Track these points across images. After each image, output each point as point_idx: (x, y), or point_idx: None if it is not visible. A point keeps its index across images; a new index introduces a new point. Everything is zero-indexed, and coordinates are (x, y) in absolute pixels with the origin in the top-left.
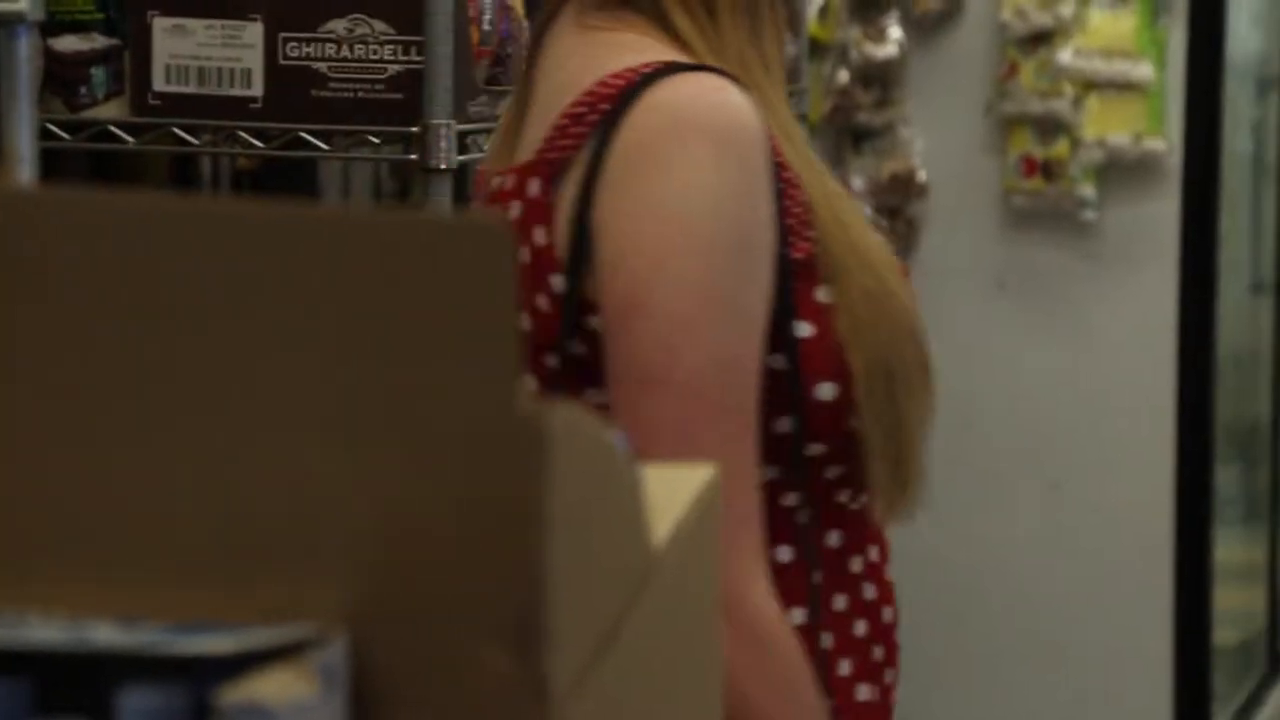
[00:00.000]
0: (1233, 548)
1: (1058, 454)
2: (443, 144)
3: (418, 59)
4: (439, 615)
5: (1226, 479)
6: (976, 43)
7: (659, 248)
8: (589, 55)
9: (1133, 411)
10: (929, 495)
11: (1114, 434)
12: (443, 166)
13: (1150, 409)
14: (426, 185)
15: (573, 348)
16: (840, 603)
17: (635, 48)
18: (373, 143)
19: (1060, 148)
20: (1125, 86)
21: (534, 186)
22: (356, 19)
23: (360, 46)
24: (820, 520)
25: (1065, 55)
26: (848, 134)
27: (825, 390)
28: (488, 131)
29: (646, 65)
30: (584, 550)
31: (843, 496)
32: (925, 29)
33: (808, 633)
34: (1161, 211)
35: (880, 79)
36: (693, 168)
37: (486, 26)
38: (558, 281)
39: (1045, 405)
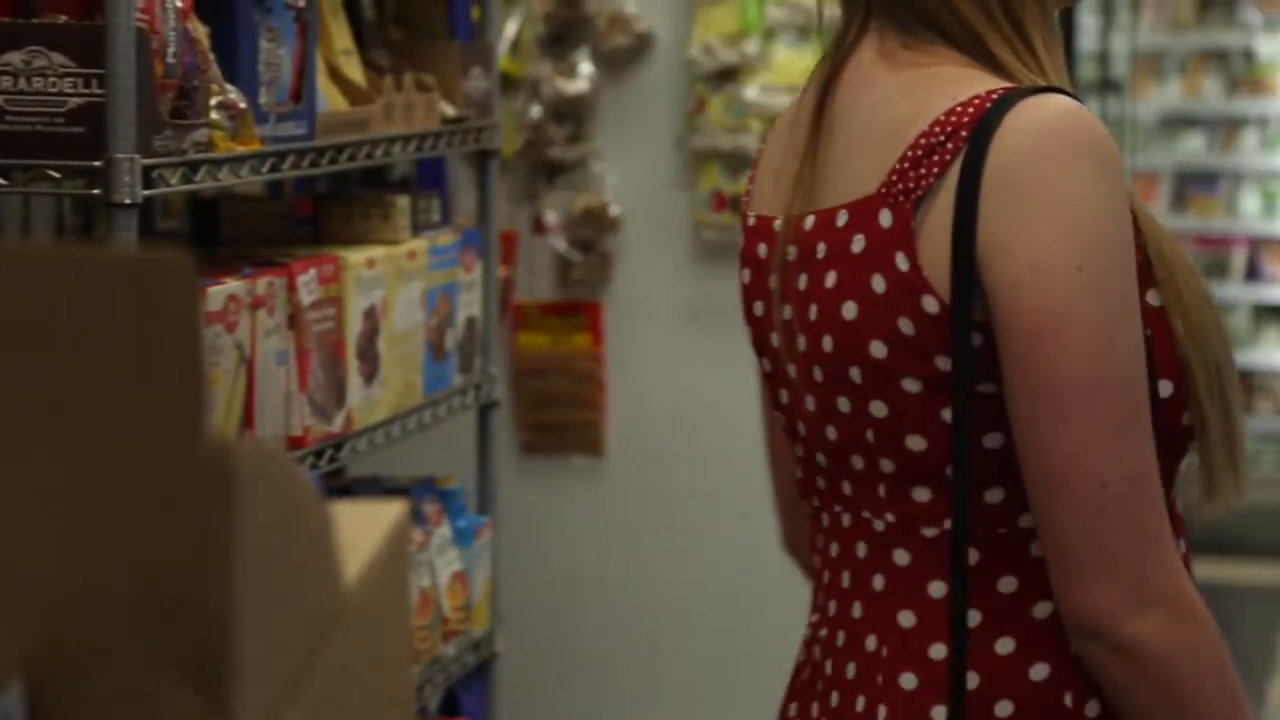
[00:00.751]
0: None
1: (748, 484)
2: (126, 178)
3: (99, 92)
4: (124, 658)
5: None
6: (666, 78)
7: (1074, 259)
8: (924, 88)
9: None
10: (619, 525)
11: None
12: (127, 201)
13: None
14: (111, 221)
15: (943, 366)
16: None
17: (970, 78)
18: (53, 177)
19: (748, 182)
20: None
21: (885, 218)
22: (34, 51)
23: (39, 79)
24: None
25: (751, 91)
26: (541, 168)
27: (1164, 388)
28: (174, 165)
29: (993, 92)
30: (273, 589)
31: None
32: (615, 65)
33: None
34: None
35: (572, 114)
36: (1081, 181)
37: (170, 59)
38: (930, 303)
39: (736, 436)
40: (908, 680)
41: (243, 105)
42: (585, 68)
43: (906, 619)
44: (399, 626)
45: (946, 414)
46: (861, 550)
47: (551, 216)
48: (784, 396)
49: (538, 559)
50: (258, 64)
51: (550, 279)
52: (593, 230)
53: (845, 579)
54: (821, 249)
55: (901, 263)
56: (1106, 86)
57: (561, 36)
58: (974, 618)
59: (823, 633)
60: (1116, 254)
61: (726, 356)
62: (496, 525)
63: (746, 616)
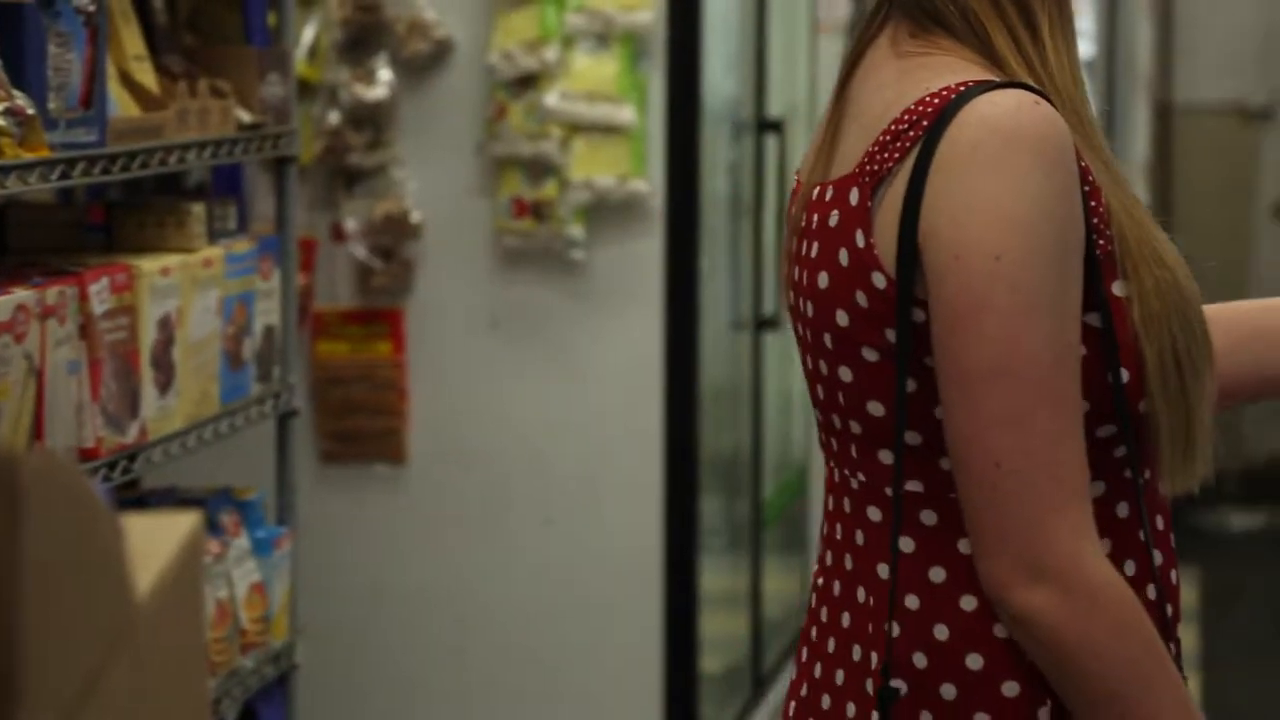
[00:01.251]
0: (718, 576)
1: (551, 490)
2: None
3: None
4: None
5: (711, 509)
6: (466, 85)
7: (993, 248)
8: (908, 79)
9: (622, 446)
10: (422, 532)
11: (605, 468)
12: None
13: (639, 443)
14: None
15: (891, 338)
16: (1130, 568)
17: (951, 69)
18: None
19: (549, 189)
20: (609, 129)
21: (854, 196)
22: None
23: None
24: (1111, 494)
25: (552, 98)
26: (340, 175)
27: (1125, 375)
28: None
29: (962, 84)
30: (60, 603)
31: (1128, 472)
32: (415, 71)
33: None
34: (646, 251)
35: (371, 120)
36: (1018, 174)
37: None
38: (879, 279)
39: (538, 442)
40: (893, 628)
41: (30, 111)
42: (384, 74)
43: (884, 570)
44: (193, 639)
45: (909, 383)
46: (847, 505)
47: (351, 223)
48: (801, 355)
49: (339, 568)
50: (46, 69)
51: (350, 286)
52: (393, 237)
53: (838, 531)
54: (815, 219)
55: (859, 239)
56: None
57: (360, 42)
58: (938, 574)
59: (820, 581)
60: (1044, 246)
61: (529, 363)
62: (296, 535)
63: (550, 622)
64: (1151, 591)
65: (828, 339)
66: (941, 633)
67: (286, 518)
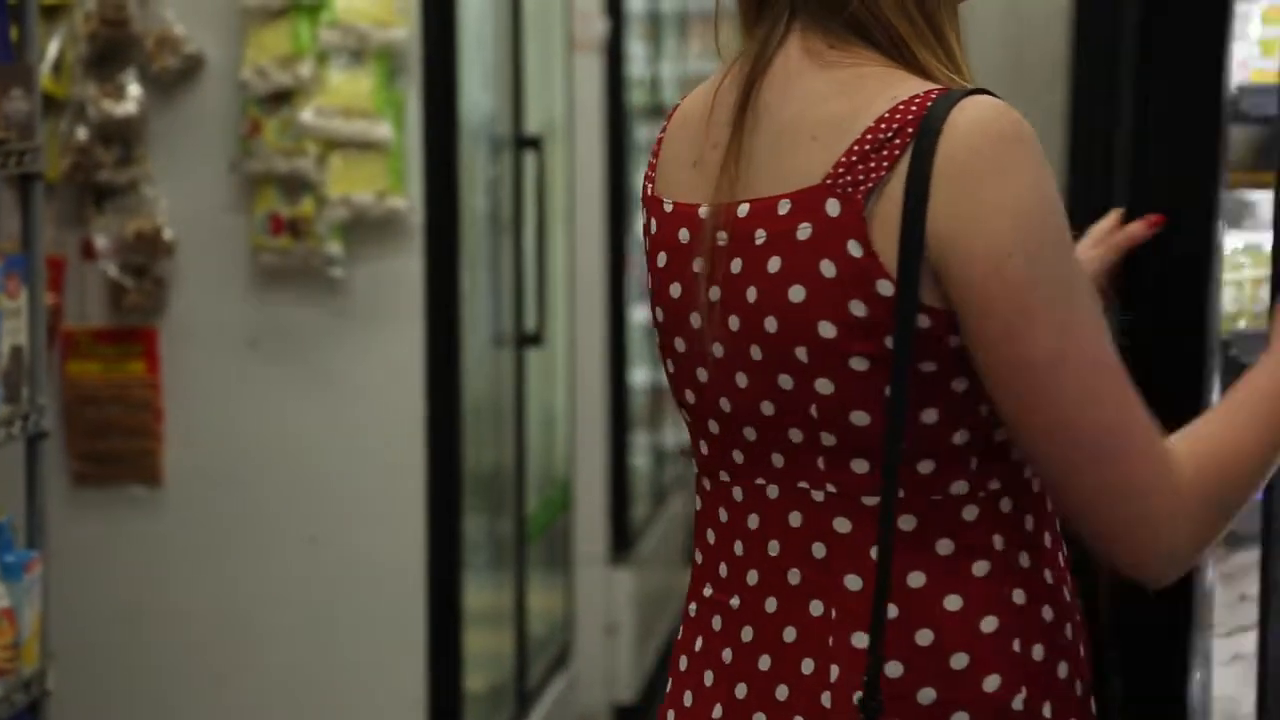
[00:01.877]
0: (482, 592)
1: (314, 508)
2: None
3: None
4: None
5: (474, 526)
6: (218, 100)
7: (1024, 249)
8: (858, 87)
9: (385, 463)
10: (180, 554)
11: (368, 486)
12: None
13: (402, 460)
14: None
15: (889, 345)
16: (1025, 559)
17: (901, 79)
18: None
19: (306, 206)
20: (366, 145)
21: (834, 207)
22: None
23: None
24: (1005, 491)
25: (307, 114)
26: (89, 192)
27: None
28: None
29: (931, 92)
30: None
31: (1027, 472)
32: (165, 86)
33: (1031, 607)
34: (407, 268)
35: (121, 136)
36: (1022, 171)
37: None
38: (885, 286)
39: (301, 461)
40: (859, 639)
41: None
42: (133, 89)
43: (854, 582)
44: None
45: (889, 391)
46: (796, 520)
47: (102, 241)
48: (701, 375)
49: (94, 592)
50: None
51: (102, 305)
52: (145, 255)
53: (773, 548)
54: (761, 235)
55: (854, 249)
56: (657, 112)
57: (107, 57)
58: (918, 579)
59: (734, 601)
60: (1059, 233)
61: (288, 381)
62: (47, 559)
63: (314, 642)
64: (1049, 575)
65: (801, 353)
66: (924, 638)
67: (37, 541)
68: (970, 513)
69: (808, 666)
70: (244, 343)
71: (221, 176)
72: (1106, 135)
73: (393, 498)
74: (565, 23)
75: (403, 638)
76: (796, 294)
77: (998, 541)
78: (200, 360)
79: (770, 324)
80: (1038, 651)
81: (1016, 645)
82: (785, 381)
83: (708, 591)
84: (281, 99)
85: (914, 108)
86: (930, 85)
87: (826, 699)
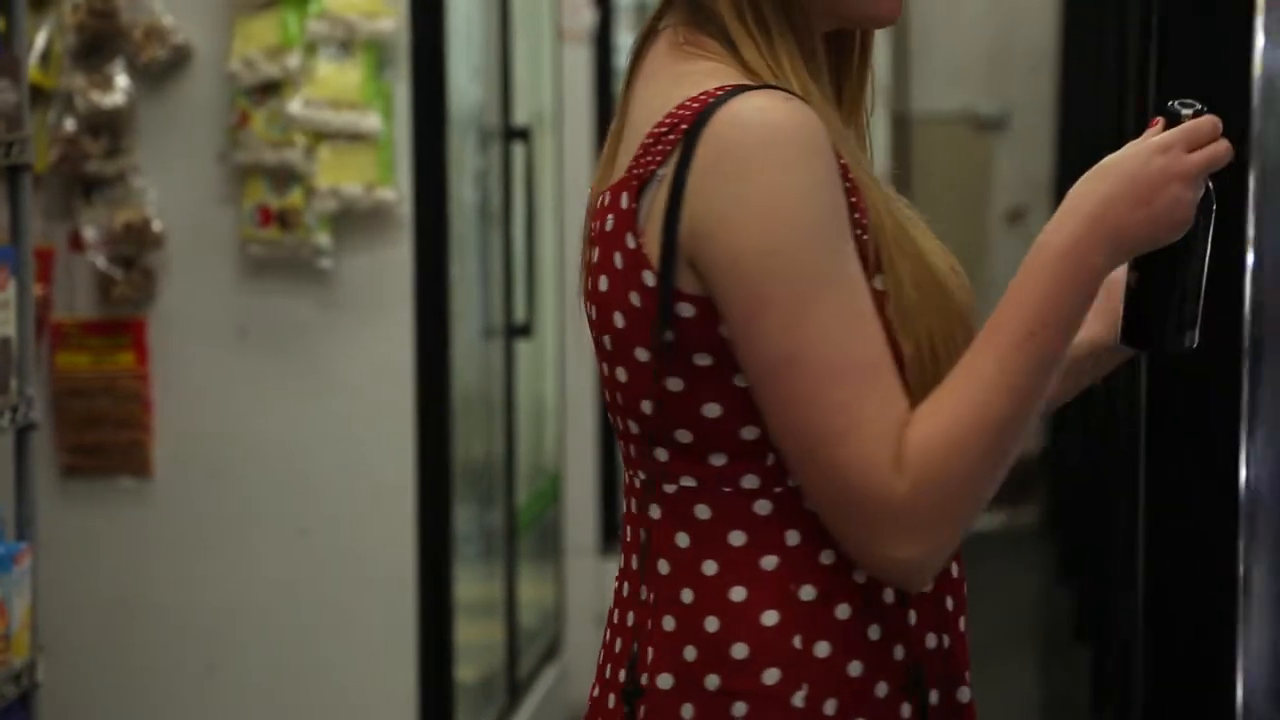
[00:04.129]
0: (472, 584)
1: (305, 500)
2: None
3: None
4: None
5: (465, 517)
6: (206, 92)
7: (766, 245)
8: (672, 81)
9: (375, 455)
10: (170, 546)
11: (358, 478)
12: None
13: (392, 451)
14: None
15: (666, 336)
16: (861, 576)
17: (714, 75)
18: None
19: (295, 197)
20: (355, 137)
21: (624, 199)
22: None
23: None
24: None
25: (295, 105)
26: (78, 184)
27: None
28: None
29: (721, 88)
30: None
31: None
32: (153, 77)
33: (822, 605)
34: (396, 259)
35: (109, 127)
36: (778, 167)
37: None
38: (649, 278)
39: (291, 452)
40: (669, 623)
41: None
42: (121, 80)
43: (663, 567)
44: None
45: (669, 383)
46: (634, 505)
47: (90, 232)
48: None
49: (84, 584)
50: None
51: (90, 297)
52: (134, 246)
53: (628, 532)
54: (597, 226)
55: (630, 240)
56: None
57: (95, 48)
58: (710, 568)
59: (618, 584)
60: (814, 232)
61: (278, 373)
62: (37, 551)
63: (304, 633)
64: (860, 575)
65: (607, 341)
66: (712, 624)
67: (26, 533)
68: (763, 507)
69: (619, 646)
70: (233, 334)
71: (210, 167)
72: (1095, 125)
73: (383, 489)
74: (553, 13)
75: (393, 629)
76: (603, 284)
77: (791, 537)
78: (189, 352)
79: (594, 313)
80: (822, 649)
81: (798, 641)
82: (605, 369)
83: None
84: (270, 90)
85: (697, 104)
86: (735, 82)
87: (622, 676)
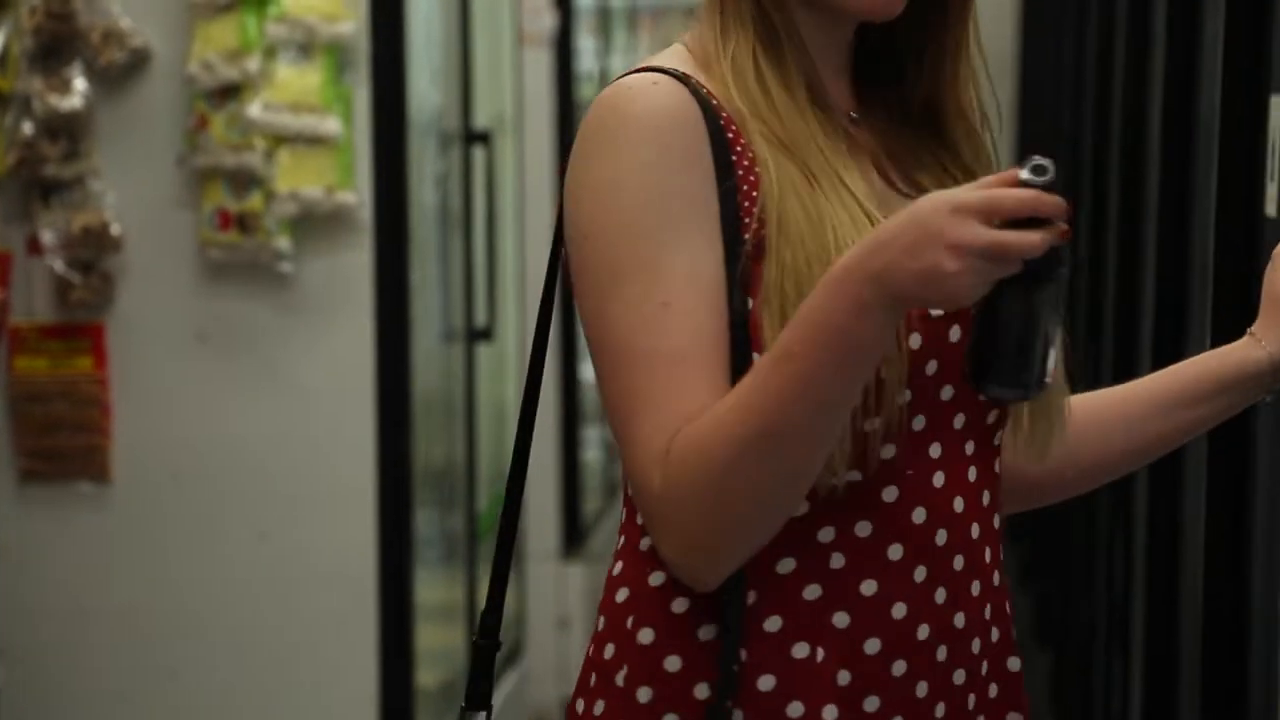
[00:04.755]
0: (433, 588)
1: (265, 504)
2: None
3: None
4: None
5: (426, 521)
6: (165, 95)
7: (585, 227)
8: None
9: (335, 459)
10: (130, 551)
11: (318, 482)
12: None
13: (352, 455)
14: None
15: (549, 316)
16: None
17: (659, 55)
18: None
19: (254, 201)
20: (315, 140)
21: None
22: None
23: None
24: None
25: (255, 109)
26: (36, 187)
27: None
28: None
29: (635, 69)
30: None
31: None
32: (111, 80)
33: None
34: (356, 263)
35: (67, 131)
36: (614, 150)
37: None
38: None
39: (251, 457)
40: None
41: None
42: (79, 83)
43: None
44: None
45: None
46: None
47: (48, 236)
48: None
49: (43, 589)
50: None
51: (48, 300)
52: (93, 250)
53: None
54: None
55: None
56: None
57: (53, 51)
58: (618, 567)
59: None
60: (636, 219)
61: (237, 377)
62: None
63: (265, 638)
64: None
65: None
66: (620, 615)
67: None
68: (648, 544)
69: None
70: (193, 338)
71: (169, 171)
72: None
73: (343, 493)
74: (514, 16)
75: (354, 634)
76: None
77: (645, 542)
78: (148, 356)
79: None
80: (646, 635)
81: (629, 622)
82: None
83: None
84: (229, 93)
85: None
86: (660, 64)
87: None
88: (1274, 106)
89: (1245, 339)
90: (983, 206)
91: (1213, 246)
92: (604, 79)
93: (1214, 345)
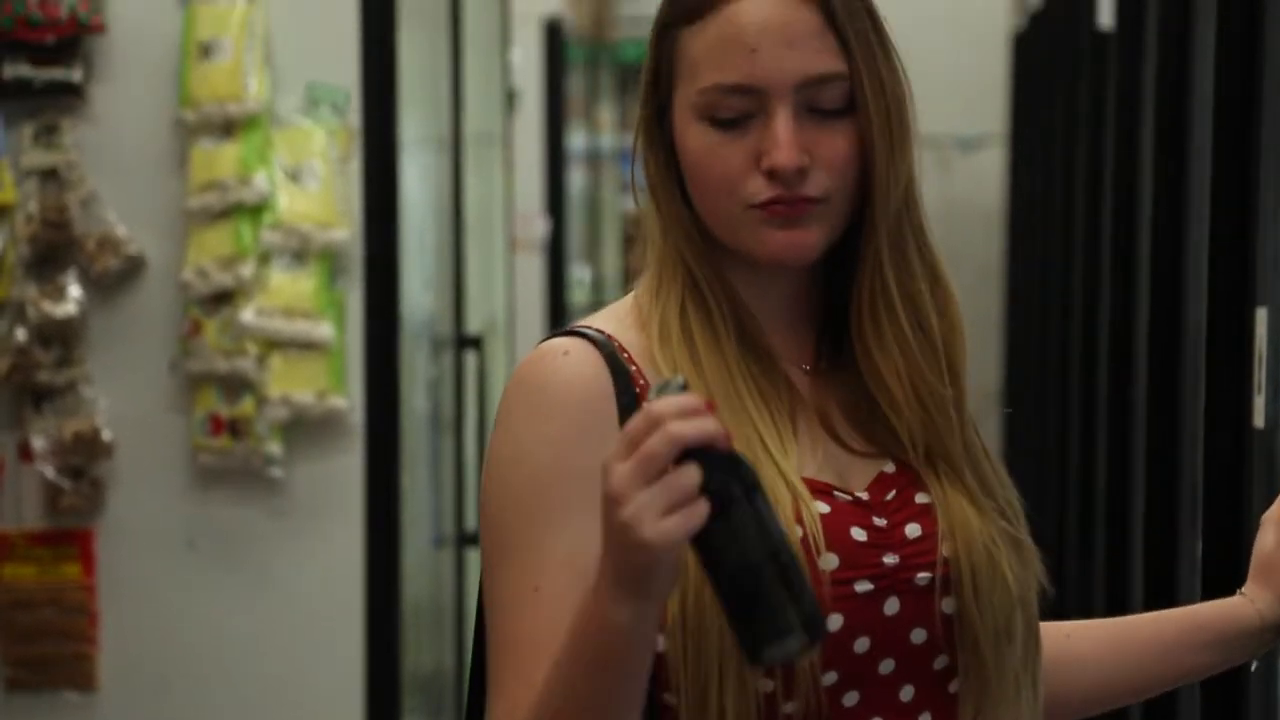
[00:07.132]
0: None
1: (254, 712)
2: None
3: None
4: None
5: None
6: (159, 301)
7: (486, 497)
8: None
9: (325, 665)
10: None
11: (306, 689)
12: None
13: (340, 662)
14: None
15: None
16: None
17: (596, 315)
18: None
19: (246, 406)
20: (307, 345)
21: None
22: None
23: None
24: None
25: (248, 314)
26: (28, 393)
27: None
28: None
29: (556, 333)
30: None
31: None
32: (105, 287)
33: None
34: (346, 467)
35: (60, 337)
36: (511, 423)
37: None
38: None
39: (240, 663)
40: None
41: None
42: (74, 290)
43: None
44: None
45: None
46: None
47: (39, 442)
48: None
49: None
50: None
51: (38, 507)
52: (84, 456)
53: None
54: None
55: None
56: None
57: (48, 258)
58: None
59: None
60: (526, 494)
61: (227, 582)
62: None
63: None
64: None
65: None
66: None
67: None
68: None
69: None
70: (182, 544)
71: (162, 376)
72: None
73: (333, 699)
74: (505, 224)
75: None
76: None
77: None
78: (137, 562)
79: None
80: None
81: None
82: None
83: None
84: (223, 299)
85: None
86: (593, 323)
87: None
88: (1259, 320)
89: (1237, 598)
90: (620, 445)
91: (1201, 459)
92: (596, 284)
93: (1205, 559)
